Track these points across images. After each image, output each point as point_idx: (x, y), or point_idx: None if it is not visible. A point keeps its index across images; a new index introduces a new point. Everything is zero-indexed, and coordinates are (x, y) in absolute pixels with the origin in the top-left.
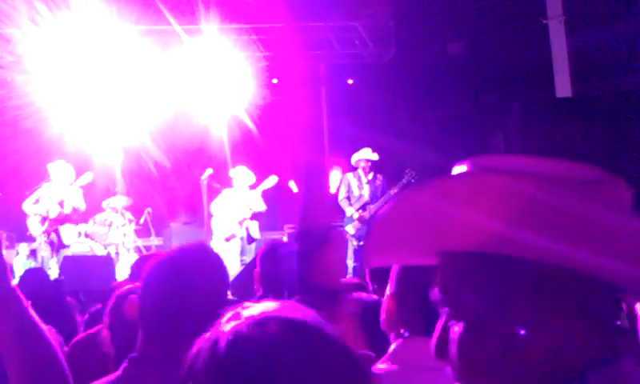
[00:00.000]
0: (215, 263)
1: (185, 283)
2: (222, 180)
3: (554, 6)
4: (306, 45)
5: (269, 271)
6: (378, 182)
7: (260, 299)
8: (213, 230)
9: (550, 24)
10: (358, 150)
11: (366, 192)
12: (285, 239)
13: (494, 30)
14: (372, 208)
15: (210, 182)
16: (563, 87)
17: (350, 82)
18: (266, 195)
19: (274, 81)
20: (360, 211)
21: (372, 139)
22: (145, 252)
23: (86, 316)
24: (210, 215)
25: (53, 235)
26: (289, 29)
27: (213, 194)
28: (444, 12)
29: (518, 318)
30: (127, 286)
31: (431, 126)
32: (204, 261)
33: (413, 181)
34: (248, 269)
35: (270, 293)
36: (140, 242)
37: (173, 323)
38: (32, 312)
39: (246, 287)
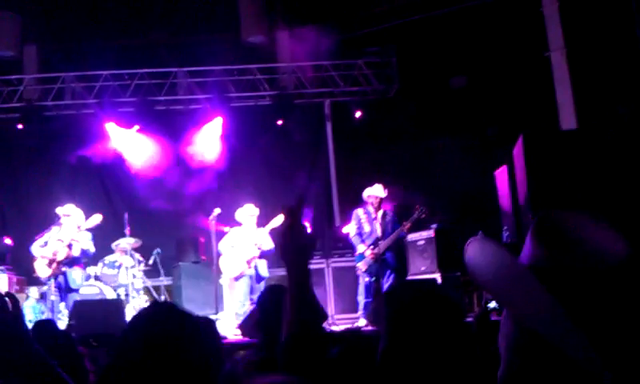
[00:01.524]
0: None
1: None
2: (229, 220)
3: (556, 38)
4: (311, 83)
5: (268, 317)
6: (388, 218)
7: (259, 347)
8: (221, 270)
9: (552, 56)
10: (366, 184)
11: (377, 228)
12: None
13: (497, 63)
14: (383, 244)
15: (218, 222)
16: (567, 119)
17: (358, 114)
18: (274, 233)
19: (279, 122)
20: (371, 248)
21: (378, 174)
22: (154, 293)
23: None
24: (218, 254)
25: (60, 278)
26: (294, 69)
27: (221, 233)
28: (446, 47)
29: None
30: None
31: (436, 159)
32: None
33: (423, 216)
34: (252, 311)
35: (270, 339)
36: (149, 283)
37: None
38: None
39: (254, 328)
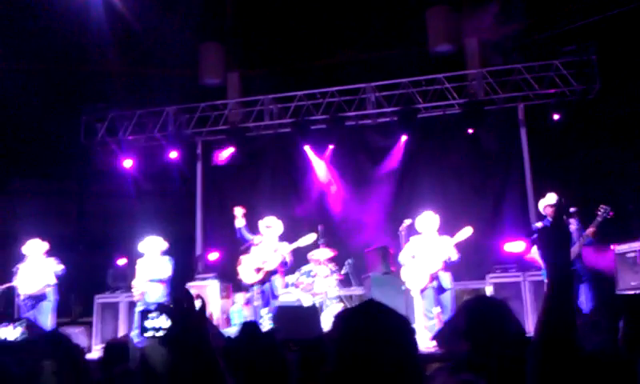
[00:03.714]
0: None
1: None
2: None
3: None
4: (503, 88)
5: (476, 327)
6: (573, 227)
7: (468, 356)
8: (403, 281)
9: None
10: (566, 192)
11: None
12: (489, 290)
13: None
14: (572, 251)
15: (408, 232)
16: None
17: (556, 117)
18: (464, 244)
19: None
20: None
21: (580, 181)
22: (347, 302)
23: None
24: (399, 266)
25: (267, 285)
26: (482, 74)
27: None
28: None
29: None
30: None
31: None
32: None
33: (608, 217)
34: (450, 322)
35: (478, 350)
36: (342, 292)
37: None
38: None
39: (448, 341)
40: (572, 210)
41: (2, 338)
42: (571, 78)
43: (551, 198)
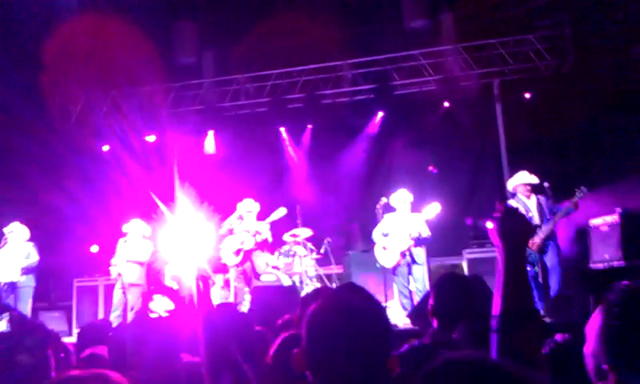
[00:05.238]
0: (377, 308)
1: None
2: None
3: None
4: (478, 64)
5: (444, 304)
6: (543, 203)
7: (435, 334)
8: (377, 259)
9: None
10: (540, 167)
11: (535, 215)
12: (464, 266)
13: None
14: (543, 229)
15: (385, 210)
16: None
17: (528, 95)
18: (442, 219)
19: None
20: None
21: (555, 155)
22: (326, 280)
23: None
24: (372, 243)
25: (247, 265)
26: (457, 50)
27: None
28: (626, 13)
29: None
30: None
31: (618, 138)
32: (367, 307)
33: (582, 195)
34: (423, 299)
35: (445, 326)
36: (321, 271)
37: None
38: None
39: (424, 317)
40: (545, 184)
41: None
42: (545, 53)
43: (521, 176)
